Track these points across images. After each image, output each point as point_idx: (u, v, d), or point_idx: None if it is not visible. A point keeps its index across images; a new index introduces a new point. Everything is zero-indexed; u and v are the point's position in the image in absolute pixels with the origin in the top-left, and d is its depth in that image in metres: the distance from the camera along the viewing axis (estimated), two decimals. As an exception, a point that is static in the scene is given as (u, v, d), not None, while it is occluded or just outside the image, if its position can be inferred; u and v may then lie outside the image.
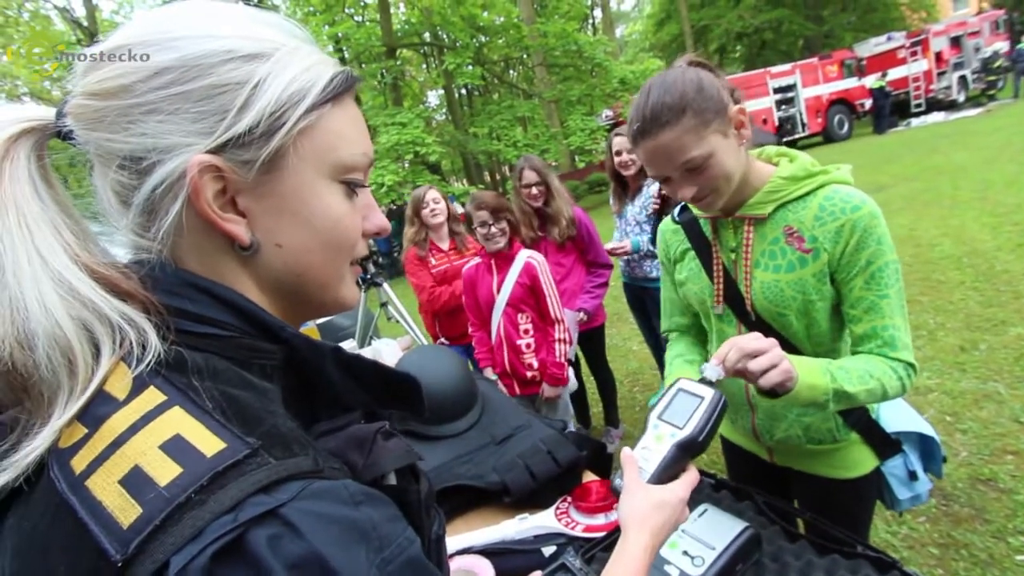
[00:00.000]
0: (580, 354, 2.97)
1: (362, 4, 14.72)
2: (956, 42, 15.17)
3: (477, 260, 2.30)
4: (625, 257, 2.68)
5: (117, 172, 0.39)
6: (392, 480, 0.44)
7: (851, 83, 15.15)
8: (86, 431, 0.34)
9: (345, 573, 0.31)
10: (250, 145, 0.39)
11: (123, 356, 0.36)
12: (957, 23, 16.08)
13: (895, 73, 14.95)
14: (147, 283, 0.39)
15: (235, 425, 0.34)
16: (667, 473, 0.68)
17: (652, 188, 2.62)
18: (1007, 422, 2.30)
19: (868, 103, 14.79)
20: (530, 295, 2.19)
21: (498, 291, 2.20)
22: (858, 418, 1.04)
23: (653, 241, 2.51)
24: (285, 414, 0.39)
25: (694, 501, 1.04)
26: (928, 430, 1.09)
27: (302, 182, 0.41)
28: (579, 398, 3.06)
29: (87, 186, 0.42)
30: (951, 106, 14.95)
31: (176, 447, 0.32)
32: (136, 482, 0.31)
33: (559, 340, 2.19)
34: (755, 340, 0.80)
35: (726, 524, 0.91)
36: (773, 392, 0.82)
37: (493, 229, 2.09)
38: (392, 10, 13.34)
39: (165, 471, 0.31)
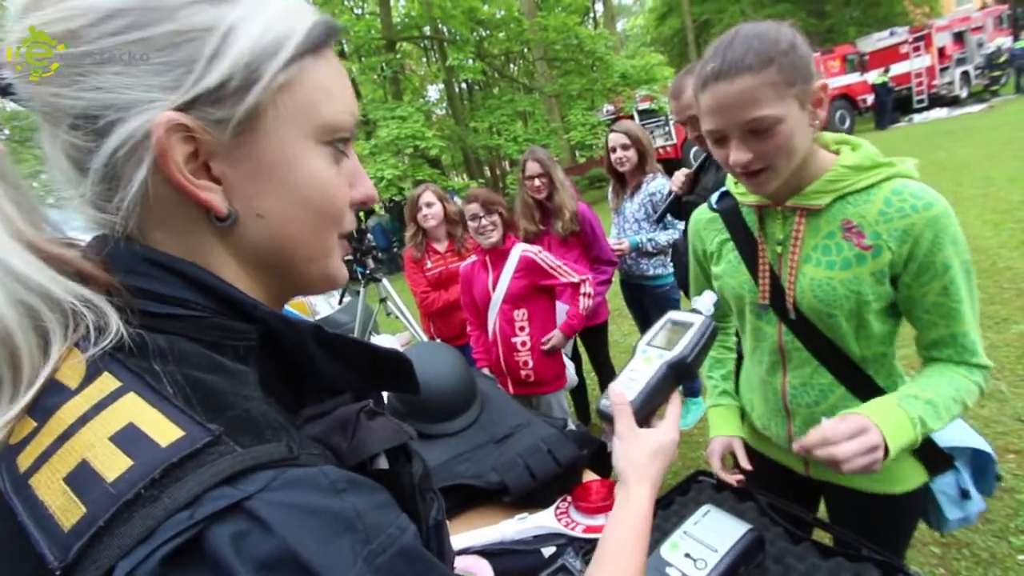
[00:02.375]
0: (582, 350, 2.96)
1: (362, -3, 14.64)
2: (959, 37, 15.07)
3: (474, 258, 2.29)
4: (622, 255, 2.67)
5: (69, 133, 0.34)
6: (383, 464, 0.41)
7: (853, 78, 15.05)
8: (35, 424, 0.30)
9: (325, 570, 0.28)
10: (223, 101, 0.35)
11: (77, 342, 0.32)
12: (960, 18, 15.97)
13: (897, 68, 14.86)
14: (108, 262, 0.35)
15: (197, 411, 0.31)
16: (653, 398, 0.65)
17: (652, 185, 2.60)
18: (1009, 420, 2.29)
19: (870, 99, 14.71)
20: (529, 290, 2.17)
21: (494, 288, 2.19)
22: None
23: (661, 220, 2.47)
24: (261, 398, 0.35)
25: (695, 503, 1.04)
26: (984, 445, 0.99)
27: (284, 143, 0.37)
28: (580, 394, 3.06)
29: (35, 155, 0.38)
30: (954, 102, 14.87)
31: (128, 438, 0.29)
32: (82, 479, 0.28)
33: (584, 294, 2.17)
34: (861, 426, 0.76)
35: (728, 526, 0.90)
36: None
37: (484, 221, 2.07)
38: (392, 3, 13.25)
39: (114, 465, 0.28)
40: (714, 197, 1.05)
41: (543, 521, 1.11)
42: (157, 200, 0.35)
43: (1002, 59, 15.02)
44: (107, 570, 0.26)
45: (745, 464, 1.06)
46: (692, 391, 3.10)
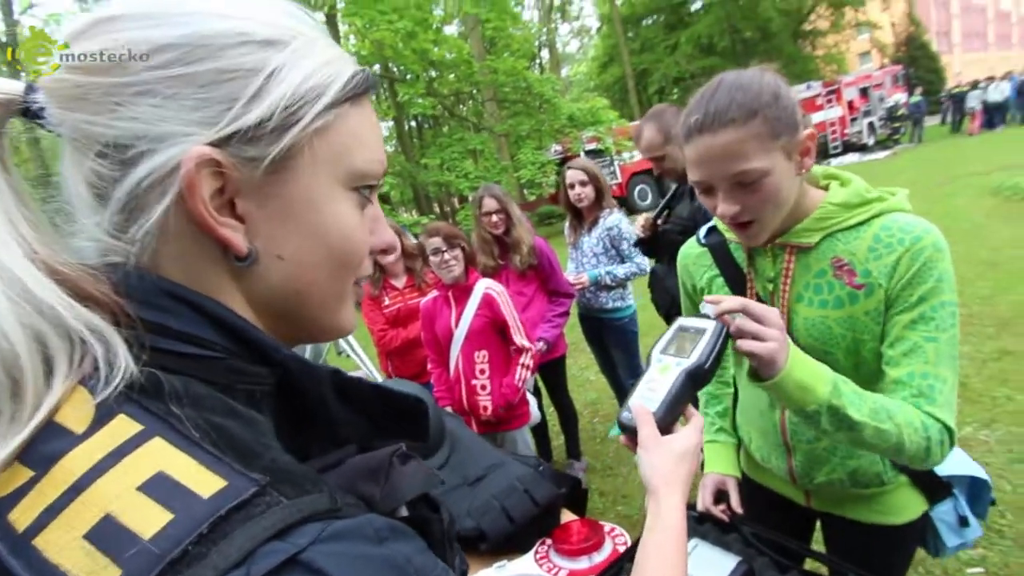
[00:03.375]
0: (541, 385, 2.93)
1: (311, 34, 14.66)
2: (864, 92, 16.92)
3: (435, 294, 2.24)
4: (581, 288, 2.71)
5: (95, 161, 0.33)
6: (403, 512, 0.40)
7: (776, 126, 16.40)
8: (31, 474, 0.27)
9: None
10: (259, 140, 0.34)
11: (81, 379, 0.30)
12: (864, 76, 17.95)
13: (814, 118, 16.38)
14: (119, 290, 0.33)
15: (231, 459, 0.29)
16: (674, 407, 0.66)
17: (609, 220, 2.68)
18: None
19: (792, 144, 16.06)
20: (490, 328, 2.14)
21: (456, 324, 2.14)
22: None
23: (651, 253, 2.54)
24: (280, 448, 0.33)
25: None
26: (980, 473, 0.99)
27: (313, 187, 0.37)
28: (540, 431, 3.01)
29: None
30: (863, 148, 16.56)
31: (161, 488, 0.26)
32: (109, 536, 0.25)
33: (523, 365, 2.15)
34: (768, 313, 0.72)
35: (718, 561, 0.88)
36: (755, 371, 0.75)
37: (447, 256, 2.06)
38: (342, 41, 13.34)
39: (149, 519, 0.25)
40: (702, 231, 1.04)
41: (523, 568, 1.05)
42: (174, 233, 0.34)
43: (900, 112, 16.99)
44: None
45: (737, 507, 1.05)
46: None
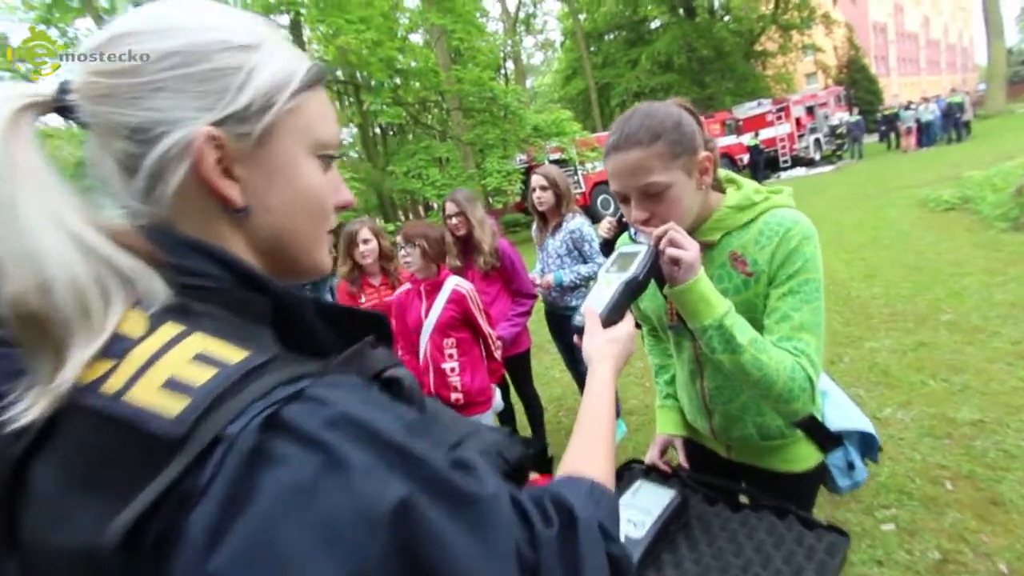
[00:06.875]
0: (508, 379, 3.08)
1: (274, 39, 14.43)
2: (810, 111, 17.98)
3: (408, 286, 2.39)
4: (547, 288, 2.89)
5: (124, 142, 0.43)
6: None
7: (731, 140, 17.28)
8: (112, 363, 0.38)
9: (374, 423, 0.37)
10: (247, 120, 0.45)
11: (132, 304, 0.40)
12: (810, 95, 19.10)
13: (765, 133, 17.32)
14: (150, 242, 0.43)
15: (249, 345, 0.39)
16: (616, 309, 0.81)
17: (572, 223, 2.86)
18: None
19: (746, 157, 16.93)
20: (458, 321, 2.30)
21: (426, 316, 2.29)
22: (802, 418, 1.08)
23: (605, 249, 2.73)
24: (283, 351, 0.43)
25: (629, 483, 1.19)
26: (869, 428, 1.15)
27: (289, 154, 0.48)
28: (509, 422, 3.15)
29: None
30: (810, 163, 17.57)
31: (205, 359, 0.37)
32: (177, 385, 0.36)
33: (494, 347, 2.39)
34: (687, 243, 0.87)
35: (659, 494, 1.06)
36: (673, 278, 0.90)
37: (403, 251, 2.28)
38: (307, 47, 13.25)
39: (200, 375, 0.36)
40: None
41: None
42: (188, 195, 0.45)
43: (841, 130, 18.15)
44: (214, 436, 0.34)
45: (683, 461, 1.21)
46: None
